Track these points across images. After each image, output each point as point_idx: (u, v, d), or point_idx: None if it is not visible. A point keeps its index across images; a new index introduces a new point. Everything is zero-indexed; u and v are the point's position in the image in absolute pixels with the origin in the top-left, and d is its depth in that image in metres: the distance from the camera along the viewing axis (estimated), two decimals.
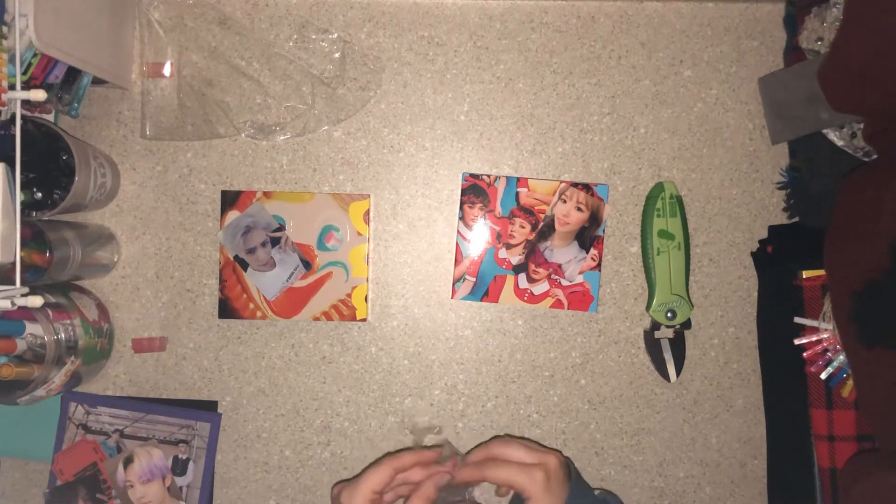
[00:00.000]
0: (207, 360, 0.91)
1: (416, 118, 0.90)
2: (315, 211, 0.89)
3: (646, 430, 0.90)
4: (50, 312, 0.79)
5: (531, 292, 0.88)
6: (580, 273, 0.88)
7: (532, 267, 0.88)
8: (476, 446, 0.72)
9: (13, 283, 0.71)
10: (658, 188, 0.87)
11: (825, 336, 0.79)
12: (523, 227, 0.88)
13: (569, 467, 0.70)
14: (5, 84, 0.69)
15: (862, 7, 0.68)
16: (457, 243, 0.89)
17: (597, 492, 0.71)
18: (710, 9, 0.88)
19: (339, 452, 0.91)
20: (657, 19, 0.89)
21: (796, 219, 0.86)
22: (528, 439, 0.81)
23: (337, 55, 0.89)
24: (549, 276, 0.88)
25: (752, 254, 0.88)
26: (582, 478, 0.72)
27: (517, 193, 0.88)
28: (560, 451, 0.70)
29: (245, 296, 0.89)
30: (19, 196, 0.71)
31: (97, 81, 0.85)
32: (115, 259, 0.90)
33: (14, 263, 0.70)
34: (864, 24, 0.68)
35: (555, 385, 0.90)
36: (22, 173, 0.71)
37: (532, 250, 0.88)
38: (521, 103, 0.89)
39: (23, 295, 0.71)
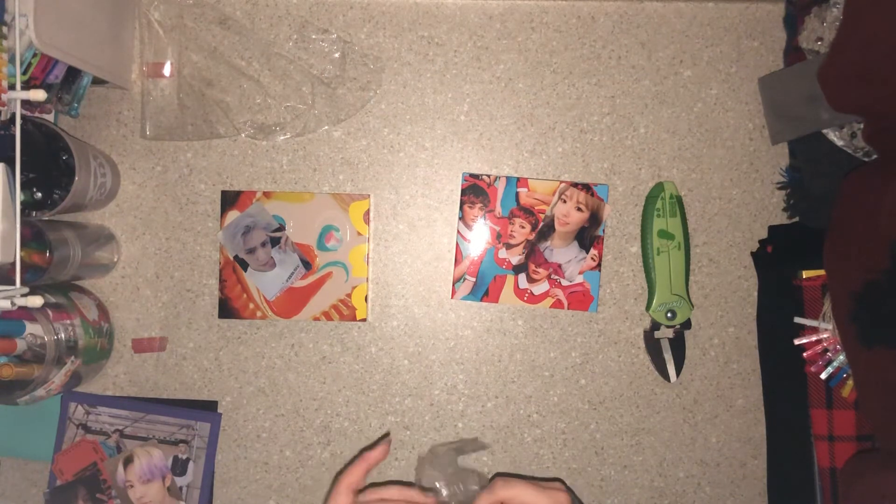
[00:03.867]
0: (207, 360, 0.91)
1: (416, 118, 0.90)
2: (315, 211, 0.89)
3: (646, 430, 0.90)
4: (50, 312, 0.79)
5: (531, 292, 0.88)
6: (580, 273, 0.88)
7: (532, 267, 0.88)
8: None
9: (13, 283, 0.71)
10: (658, 188, 0.87)
11: (825, 336, 0.79)
12: (523, 227, 0.88)
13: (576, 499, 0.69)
14: (5, 84, 0.69)
15: (862, 7, 0.68)
16: (457, 243, 0.89)
17: None
18: (710, 9, 0.88)
19: (339, 452, 0.91)
20: (657, 19, 0.89)
21: (796, 219, 0.86)
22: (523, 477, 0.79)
23: (337, 55, 0.89)
24: (549, 276, 0.88)
25: (752, 254, 0.88)
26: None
27: (517, 193, 0.88)
28: (562, 481, 0.68)
29: (245, 296, 0.89)
30: (19, 196, 0.71)
31: (97, 81, 0.85)
32: (115, 259, 0.90)
33: (14, 263, 0.70)
34: (864, 24, 0.68)
35: (555, 385, 0.90)
36: (22, 173, 0.71)
37: (532, 250, 0.88)
38: (521, 103, 0.89)
39: (23, 295, 0.71)
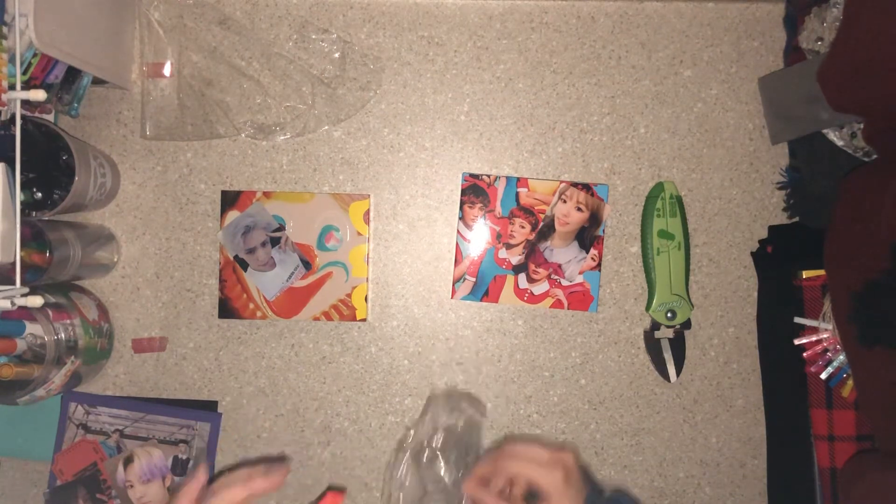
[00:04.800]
0: (207, 360, 0.90)
1: (416, 118, 0.90)
2: (315, 211, 0.89)
3: (646, 430, 0.90)
4: (50, 312, 0.79)
5: (531, 292, 0.88)
6: (580, 273, 0.88)
7: (532, 267, 0.88)
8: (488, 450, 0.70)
9: (13, 283, 0.71)
10: (658, 188, 0.87)
11: (825, 336, 0.79)
12: (523, 227, 0.88)
13: (584, 467, 0.69)
14: (5, 84, 0.69)
15: (862, 7, 0.68)
16: (457, 243, 0.89)
17: (607, 493, 0.69)
18: (710, 9, 0.88)
19: (339, 452, 0.90)
20: (657, 19, 0.89)
21: (796, 219, 0.86)
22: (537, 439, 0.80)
23: (337, 55, 0.89)
24: (549, 276, 0.88)
25: (752, 254, 0.88)
26: (593, 476, 0.70)
27: (517, 193, 0.88)
28: (574, 447, 0.68)
29: (245, 296, 0.89)
30: (19, 196, 0.71)
31: (97, 81, 0.85)
32: (115, 259, 0.90)
33: (14, 263, 0.70)
34: (864, 24, 0.68)
35: (555, 385, 0.90)
36: (22, 173, 0.71)
37: (532, 250, 0.88)
38: (521, 103, 0.89)
39: (23, 295, 0.71)
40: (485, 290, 0.88)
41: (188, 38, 0.88)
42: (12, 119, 0.71)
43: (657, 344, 0.88)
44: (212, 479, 0.89)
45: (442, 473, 0.76)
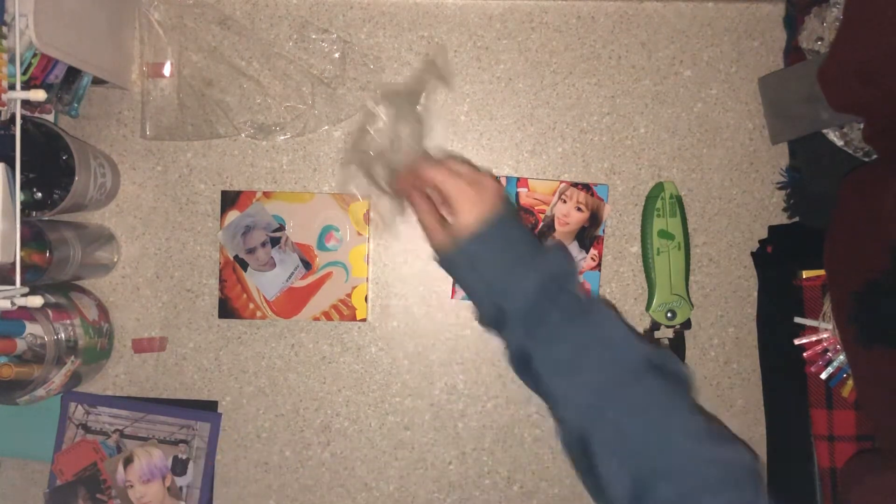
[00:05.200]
0: (207, 360, 0.90)
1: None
2: (315, 211, 0.89)
3: None
4: (50, 312, 0.79)
5: None
6: (580, 273, 0.88)
7: None
8: None
9: (13, 283, 0.71)
10: (658, 188, 0.87)
11: (825, 336, 0.79)
12: None
13: (509, 201, 0.68)
14: (5, 84, 0.69)
15: (862, 7, 0.68)
16: None
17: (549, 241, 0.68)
18: (710, 9, 0.88)
19: (338, 452, 0.90)
20: (657, 19, 0.89)
21: (796, 219, 0.86)
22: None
23: (337, 55, 0.89)
24: None
25: (752, 254, 0.88)
26: (520, 217, 0.70)
27: (517, 193, 0.88)
28: (500, 183, 0.68)
29: (245, 296, 0.89)
30: (19, 196, 0.71)
31: (97, 81, 0.85)
32: (115, 259, 0.90)
33: (14, 263, 0.70)
34: (864, 24, 0.68)
35: None
36: (22, 173, 0.71)
37: None
38: (521, 103, 0.89)
39: (23, 295, 0.71)
40: None
41: (188, 38, 0.88)
42: (12, 119, 0.71)
43: (657, 344, 0.88)
44: (212, 479, 0.89)
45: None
